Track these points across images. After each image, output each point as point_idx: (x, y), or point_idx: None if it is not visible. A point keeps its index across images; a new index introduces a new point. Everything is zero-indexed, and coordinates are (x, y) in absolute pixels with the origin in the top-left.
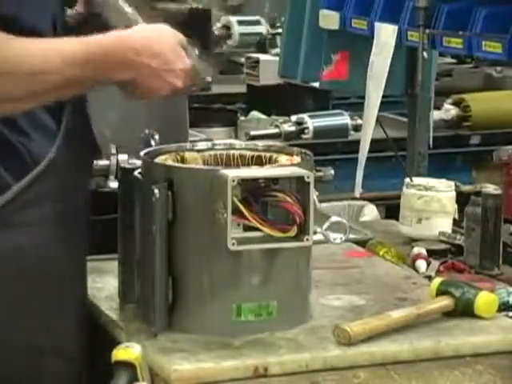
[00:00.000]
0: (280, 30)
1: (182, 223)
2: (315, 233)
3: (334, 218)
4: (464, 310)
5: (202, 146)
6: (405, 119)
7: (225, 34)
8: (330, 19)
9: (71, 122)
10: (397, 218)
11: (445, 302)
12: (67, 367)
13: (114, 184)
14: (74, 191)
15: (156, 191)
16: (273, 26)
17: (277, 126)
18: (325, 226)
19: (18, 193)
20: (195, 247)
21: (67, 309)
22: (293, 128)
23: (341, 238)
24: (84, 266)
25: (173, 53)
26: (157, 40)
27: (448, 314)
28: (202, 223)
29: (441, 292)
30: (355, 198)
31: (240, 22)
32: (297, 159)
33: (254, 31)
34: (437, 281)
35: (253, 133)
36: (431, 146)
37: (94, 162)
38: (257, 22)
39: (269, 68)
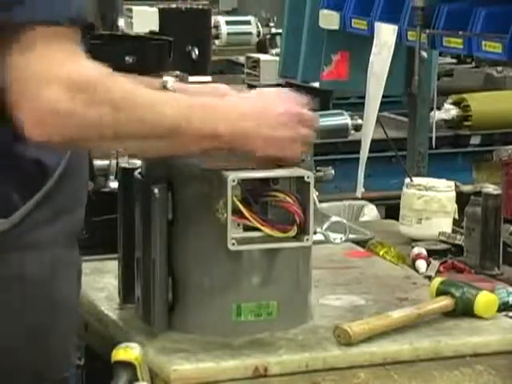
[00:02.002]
0: (279, 30)
1: (182, 223)
2: (315, 233)
3: (334, 218)
4: (464, 310)
5: None
6: (405, 119)
7: (214, 33)
8: (330, 19)
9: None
10: (397, 218)
11: (445, 302)
12: None
13: (114, 184)
14: (78, 203)
15: (156, 191)
16: (267, 26)
17: None
18: (325, 226)
19: (26, 213)
20: (195, 247)
21: (73, 330)
22: None
23: (341, 238)
24: (80, 283)
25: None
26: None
27: (448, 314)
28: (202, 223)
29: (441, 292)
30: (355, 198)
31: (228, 22)
32: None
33: (242, 31)
34: (437, 281)
35: None
36: (433, 146)
37: (94, 162)
38: (246, 22)
39: (269, 68)
